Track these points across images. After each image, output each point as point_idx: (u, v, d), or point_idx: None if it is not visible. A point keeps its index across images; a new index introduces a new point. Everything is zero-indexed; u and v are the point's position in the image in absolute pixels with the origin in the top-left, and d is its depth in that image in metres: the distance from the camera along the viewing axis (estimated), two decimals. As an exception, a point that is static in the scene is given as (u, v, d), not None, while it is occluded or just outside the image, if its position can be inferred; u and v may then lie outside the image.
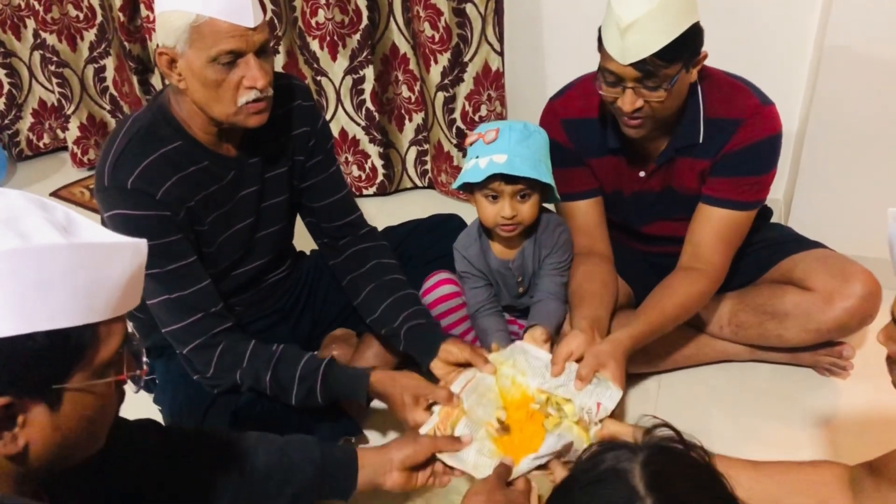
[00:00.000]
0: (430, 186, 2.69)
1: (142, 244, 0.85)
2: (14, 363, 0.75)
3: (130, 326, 0.89)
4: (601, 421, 1.29)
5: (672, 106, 1.50)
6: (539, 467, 1.23)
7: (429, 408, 1.39)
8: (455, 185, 1.61)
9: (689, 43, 1.43)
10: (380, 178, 2.63)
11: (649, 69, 1.41)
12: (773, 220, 1.88)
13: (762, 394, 1.77)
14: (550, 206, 1.72)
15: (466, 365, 1.46)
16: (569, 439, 1.24)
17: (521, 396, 1.39)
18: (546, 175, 1.54)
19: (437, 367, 1.49)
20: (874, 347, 1.85)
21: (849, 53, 1.87)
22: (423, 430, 1.36)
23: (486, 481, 1.20)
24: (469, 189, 1.60)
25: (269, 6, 2.39)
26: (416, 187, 2.72)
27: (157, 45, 1.35)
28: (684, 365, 1.83)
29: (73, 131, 2.94)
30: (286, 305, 1.76)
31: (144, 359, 0.90)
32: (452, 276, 1.76)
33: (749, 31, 2.05)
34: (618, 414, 1.43)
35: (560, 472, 1.17)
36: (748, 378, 1.82)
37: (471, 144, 1.58)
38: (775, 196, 2.20)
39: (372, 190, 2.66)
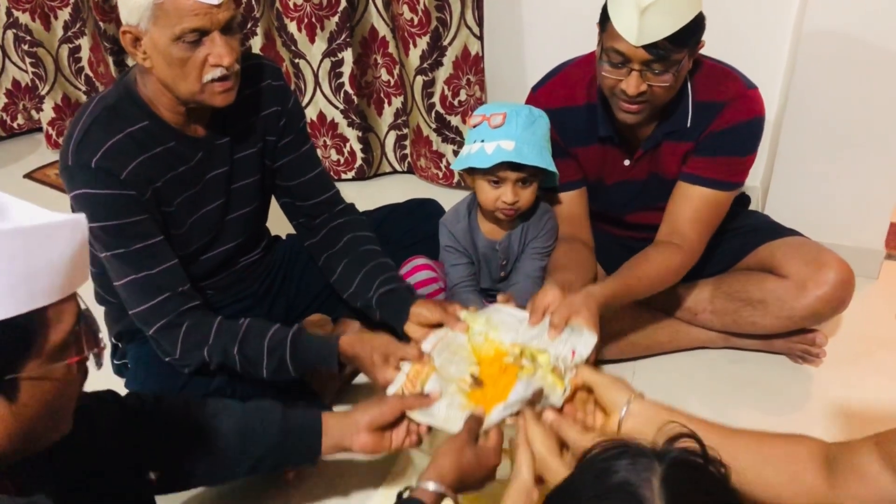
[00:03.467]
0: (410, 171, 2.68)
1: (80, 219, 0.81)
2: None
3: (84, 304, 0.86)
4: (576, 367, 1.27)
5: (672, 92, 1.50)
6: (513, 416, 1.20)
7: (399, 367, 1.37)
8: (458, 168, 1.60)
9: (697, 30, 1.43)
10: (358, 162, 2.61)
11: (661, 53, 1.40)
12: (751, 207, 1.89)
13: (736, 380, 1.78)
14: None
15: (440, 325, 1.44)
16: (538, 385, 1.22)
17: (494, 352, 1.37)
18: (550, 162, 1.54)
19: (411, 329, 1.48)
20: (847, 335, 1.88)
21: (827, 40, 1.86)
22: (389, 391, 1.34)
23: (455, 439, 1.18)
24: (469, 170, 1.59)
25: (246, -14, 2.36)
26: (395, 172, 2.70)
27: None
28: (659, 352, 1.84)
29: (47, 112, 2.89)
30: (260, 290, 1.73)
31: (102, 335, 0.88)
32: (429, 261, 1.74)
33: (727, 17, 2.04)
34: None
35: (532, 421, 1.14)
36: (722, 365, 1.83)
37: (474, 126, 1.56)
38: (753, 183, 2.20)
39: (351, 174, 2.64)
